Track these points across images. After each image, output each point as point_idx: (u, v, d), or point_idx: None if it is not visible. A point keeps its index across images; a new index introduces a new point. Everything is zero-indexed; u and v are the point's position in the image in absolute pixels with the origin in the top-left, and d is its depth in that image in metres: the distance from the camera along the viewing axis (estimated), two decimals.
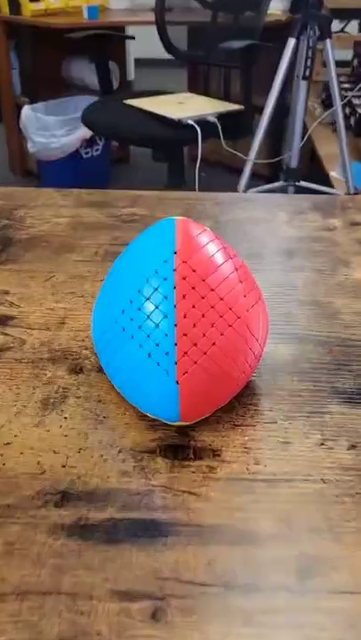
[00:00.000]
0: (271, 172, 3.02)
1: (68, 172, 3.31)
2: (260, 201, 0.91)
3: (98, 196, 0.94)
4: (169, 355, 0.45)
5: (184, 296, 0.45)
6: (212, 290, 0.46)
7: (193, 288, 0.46)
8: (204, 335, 0.45)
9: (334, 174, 2.34)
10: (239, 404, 0.52)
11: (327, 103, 2.84)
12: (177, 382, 0.45)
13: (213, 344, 0.46)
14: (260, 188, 2.30)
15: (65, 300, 0.67)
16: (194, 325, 0.45)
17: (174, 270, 0.45)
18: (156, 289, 0.46)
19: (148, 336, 0.45)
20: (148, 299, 0.46)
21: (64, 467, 0.47)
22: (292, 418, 0.51)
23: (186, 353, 0.45)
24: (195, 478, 0.46)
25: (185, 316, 0.45)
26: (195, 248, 0.47)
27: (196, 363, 0.45)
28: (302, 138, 2.21)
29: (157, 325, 0.45)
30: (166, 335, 0.45)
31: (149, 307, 0.46)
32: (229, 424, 0.50)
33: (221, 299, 0.46)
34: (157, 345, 0.45)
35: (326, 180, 2.34)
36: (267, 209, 0.88)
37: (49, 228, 0.83)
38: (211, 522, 0.42)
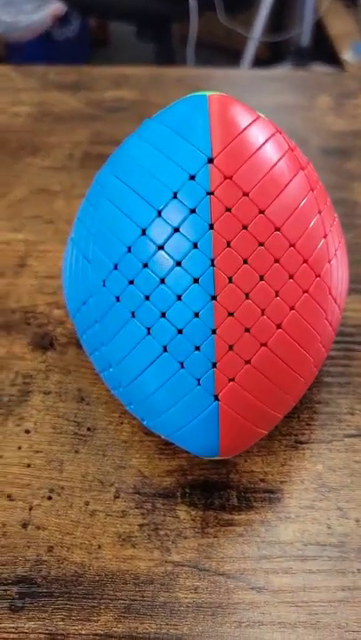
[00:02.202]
0: (271, 55, 2.66)
1: (40, 56, 2.92)
2: (290, 80, 0.68)
3: (71, 76, 0.69)
4: (202, 350, 0.25)
5: (228, 243, 0.25)
6: (277, 229, 0.26)
7: (244, 227, 0.25)
8: (263, 313, 0.25)
9: (348, 57, 2.03)
10: (301, 403, 0.33)
11: None
12: (215, 397, 0.26)
13: (278, 327, 0.26)
14: None
15: (27, 227, 0.46)
16: (246, 296, 0.25)
17: (210, 194, 0.25)
18: (177, 230, 0.25)
19: (164, 315, 0.25)
20: (161, 247, 0.25)
21: (25, 527, 0.28)
22: None
23: (232, 346, 0.25)
24: (244, 549, 0.27)
25: (231, 280, 0.25)
26: (245, 151, 0.25)
27: (248, 362, 0.25)
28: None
29: (180, 297, 0.25)
30: (197, 315, 0.25)
31: (164, 262, 0.25)
32: (289, 440, 0.32)
33: (292, 245, 0.26)
34: (180, 332, 0.25)
35: (336, 65, 2.03)
36: (302, 91, 0.64)
37: (4, 120, 0.60)
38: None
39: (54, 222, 0.46)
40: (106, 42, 3.16)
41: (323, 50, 2.32)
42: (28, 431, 0.32)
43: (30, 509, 0.29)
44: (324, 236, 0.28)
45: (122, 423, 0.32)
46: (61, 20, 3.01)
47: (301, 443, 0.31)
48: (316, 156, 0.54)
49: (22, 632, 0.25)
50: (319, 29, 2.51)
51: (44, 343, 0.37)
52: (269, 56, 2.73)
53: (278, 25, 2.71)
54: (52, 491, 0.29)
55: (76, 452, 0.31)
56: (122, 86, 0.68)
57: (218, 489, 0.29)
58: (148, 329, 0.26)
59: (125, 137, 0.30)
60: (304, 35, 1.90)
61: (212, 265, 0.24)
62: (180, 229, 0.25)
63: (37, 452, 0.31)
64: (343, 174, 0.52)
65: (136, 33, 2.20)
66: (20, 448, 0.31)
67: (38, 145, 0.56)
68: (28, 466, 0.31)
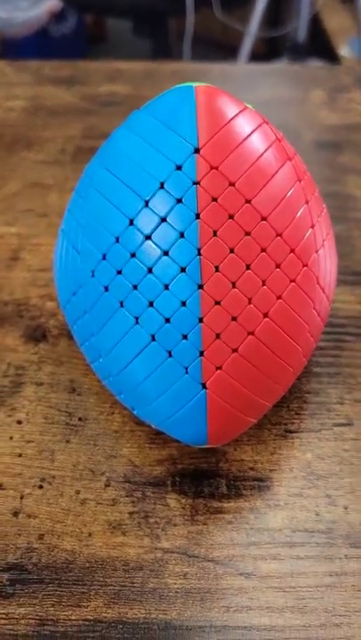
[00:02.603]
0: (268, 50, 2.65)
1: (37, 53, 2.91)
2: (285, 74, 0.68)
3: (65, 71, 0.69)
4: (189, 339, 0.25)
5: (215, 233, 0.25)
6: (264, 219, 0.26)
7: (230, 217, 0.25)
8: (249, 302, 0.26)
9: (345, 52, 2.03)
10: (290, 393, 0.33)
11: None
12: (203, 385, 0.26)
13: (265, 315, 0.26)
14: None
15: (19, 221, 0.46)
16: (233, 285, 0.25)
17: (196, 184, 0.25)
18: (164, 219, 0.25)
19: (151, 304, 0.26)
20: (148, 237, 0.25)
21: (16, 515, 0.28)
22: None
23: (219, 335, 0.25)
24: (233, 536, 0.28)
25: (217, 270, 0.25)
26: (231, 142, 0.26)
27: (235, 351, 0.26)
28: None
29: (167, 286, 0.25)
30: (184, 304, 0.25)
31: (152, 252, 0.25)
32: (278, 429, 0.32)
33: (279, 235, 0.26)
34: (168, 321, 0.25)
35: (332, 60, 2.02)
36: (296, 85, 0.65)
37: None
38: (266, 624, 0.25)
39: (47, 216, 0.47)
40: (103, 38, 3.15)
41: (319, 45, 2.32)
42: (20, 422, 0.32)
43: (21, 498, 0.29)
44: (312, 227, 0.28)
45: (113, 413, 0.33)
46: (58, 17, 3.00)
47: (291, 432, 0.32)
48: (309, 149, 0.55)
49: (13, 618, 0.25)
50: (316, 25, 2.50)
51: (36, 335, 0.37)
52: (266, 51, 2.73)
53: (275, 20, 2.70)
54: (43, 480, 0.30)
55: (68, 441, 0.31)
56: (116, 81, 0.68)
57: (207, 477, 0.30)
58: (137, 318, 0.26)
59: None
60: (300, 30, 1.90)
61: (199, 254, 0.25)
62: (167, 219, 0.25)
63: (29, 441, 0.31)
64: (336, 168, 0.52)
65: (133, 29, 2.20)
66: (11, 438, 0.32)
67: (32, 139, 0.56)
68: (20, 455, 0.31)
